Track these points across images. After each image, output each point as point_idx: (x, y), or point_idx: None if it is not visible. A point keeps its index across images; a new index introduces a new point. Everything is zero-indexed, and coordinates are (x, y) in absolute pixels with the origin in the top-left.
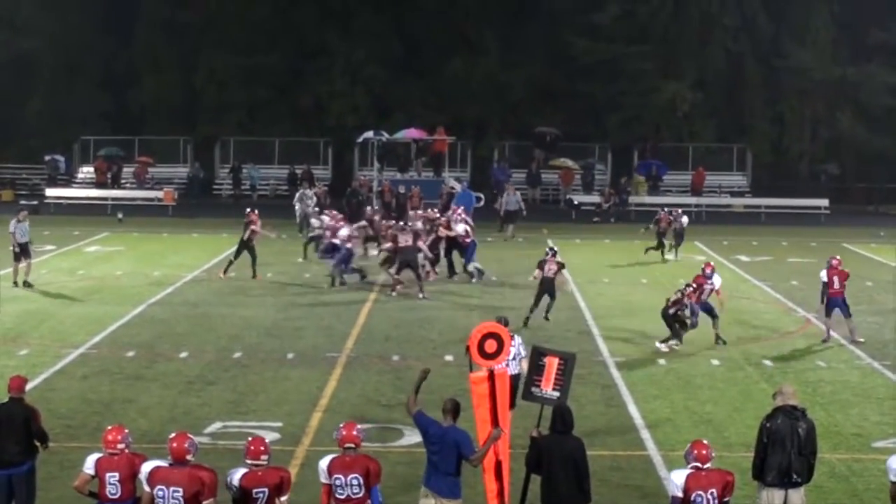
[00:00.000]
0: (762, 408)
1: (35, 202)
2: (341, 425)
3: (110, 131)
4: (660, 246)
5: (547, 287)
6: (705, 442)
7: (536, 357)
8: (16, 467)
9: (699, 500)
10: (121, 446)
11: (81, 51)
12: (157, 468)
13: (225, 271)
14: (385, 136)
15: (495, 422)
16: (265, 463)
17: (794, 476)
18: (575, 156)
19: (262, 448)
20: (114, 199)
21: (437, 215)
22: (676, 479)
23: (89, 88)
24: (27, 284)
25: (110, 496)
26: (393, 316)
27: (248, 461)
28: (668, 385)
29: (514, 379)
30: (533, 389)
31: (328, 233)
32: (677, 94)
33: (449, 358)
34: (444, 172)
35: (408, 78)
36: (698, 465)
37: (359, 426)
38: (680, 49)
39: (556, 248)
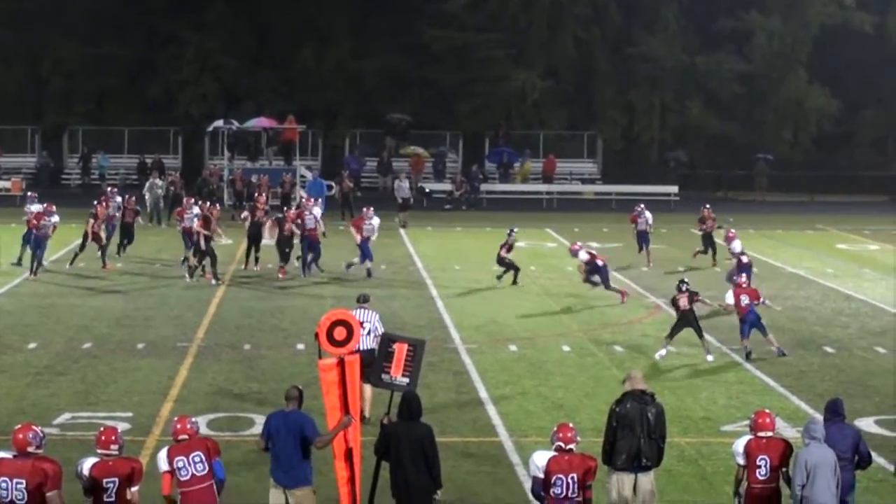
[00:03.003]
0: (613, 393)
1: None
2: (175, 419)
3: None
4: (709, 246)
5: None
6: (571, 425)
7: (385, 344)
8: None
9: (559, 482)
10: None
11: None
12: (1, 460)
13: (104, 265)
14: (235, 124)
15: (345, 409)
16: (116, 453)
17: (644, 460)
18: (426, 143)
19: (112, 438)
20: None
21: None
22: (538, 461)
23: None
24: None
25: None
26: (244, 305)
27: (99, 451)
28: (519, 371)
29: (371, 353)
30: (383, 376)
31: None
32: (527, 82)
33: (300, 346)
34: (296, 161)
35: (258, 67)
36: (561, 444)
37: (194, 419)
38: (530, 37)
39: (513, 229)
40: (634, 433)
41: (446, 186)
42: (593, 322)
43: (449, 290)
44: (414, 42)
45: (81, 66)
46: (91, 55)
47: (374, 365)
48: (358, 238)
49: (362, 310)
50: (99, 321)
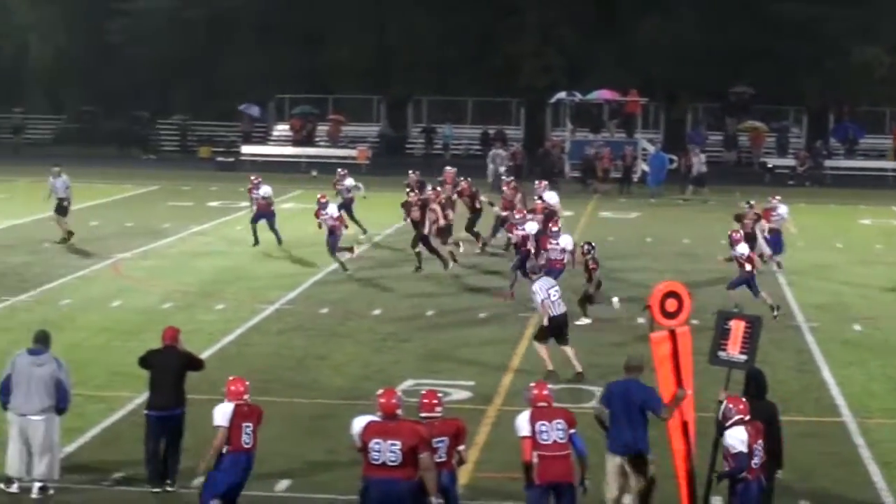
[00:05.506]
0: None
1: (231, 159)
2: (532, 385)
3: (305, 90)
4: None
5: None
6: (738, 396)
7: (722, 321)
8: (168, 411)
9: (757, 452)
10: (246, 397)
11: (277, 9)
12: (372, 422)
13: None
14: (578, 96)
15: (679, 382)
16: (439, 415)
17: None
18: (769, 118)
19: (434, 401)
20: (308, 156)
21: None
22: (740, 436)
23: (284, 47)
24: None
25: (245, 446)
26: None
27: (423, 415)
28: (863, 351)
29: (564, 316)
30: (720, 353)
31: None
32: (874, 57)
33: (641, 321)
34: (637, 134)
35: (599, 38)
36: (742, 416)
37: (550, 386)
38: (879, 11)
39: (751, 202)
40: None
41: (789, 162)
42: None
43: (791, 267)
44: (759, 14)
45: (428, 37)
46: (436, 25)
47: (710, 343)
48: (766, 228)
49: (544, 279)
50: (441, 288)
